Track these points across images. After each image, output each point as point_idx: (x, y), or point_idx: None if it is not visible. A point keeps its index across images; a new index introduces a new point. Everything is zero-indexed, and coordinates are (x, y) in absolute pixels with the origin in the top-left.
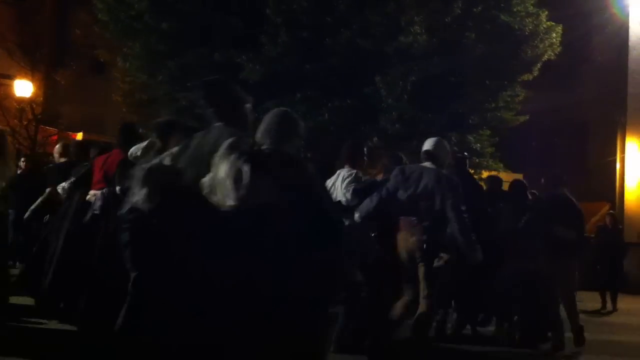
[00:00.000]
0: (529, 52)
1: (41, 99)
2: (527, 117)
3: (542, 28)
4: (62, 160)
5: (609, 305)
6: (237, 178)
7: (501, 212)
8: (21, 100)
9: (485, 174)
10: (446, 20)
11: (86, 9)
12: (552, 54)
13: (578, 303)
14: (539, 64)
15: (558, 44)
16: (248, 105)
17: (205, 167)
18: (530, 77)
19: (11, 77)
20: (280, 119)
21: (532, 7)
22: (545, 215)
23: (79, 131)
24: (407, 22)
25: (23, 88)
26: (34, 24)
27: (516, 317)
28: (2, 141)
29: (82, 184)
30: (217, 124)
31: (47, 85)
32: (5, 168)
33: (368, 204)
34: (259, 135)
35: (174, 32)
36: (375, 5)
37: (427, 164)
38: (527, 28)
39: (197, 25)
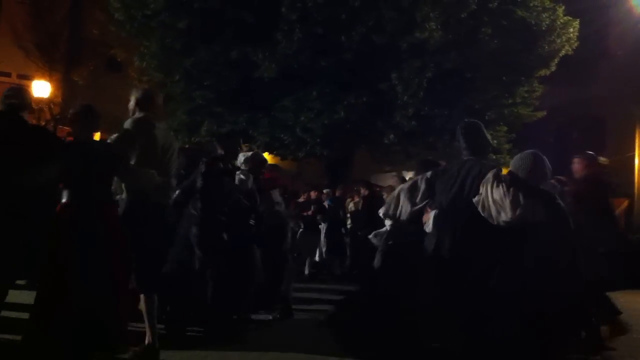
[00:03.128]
0: (546, 47)
1: (59, 99)
2: (545, 112)
3: (559, 23)
4: None
5: None
6: (514, 200)
7: None
8: (39, 101)
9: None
10: (462, 15)
11: (101, 7)
12: (570, 49)
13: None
14: (556, 59)
15: (575, 39)
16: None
17: (468, 189)
18: (548, 72)
19: (29, 77)
20: (532, 161)
21: (548, 1)
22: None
23: (97, 131)
24: (422, 17)
25: (41, 88)
26: (49, 23)
27: None
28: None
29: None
30: (470, 157)
31: (65, 86)
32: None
33: None
34: (522, 172)
35: (189, 31)
36: (389, 1)
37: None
38: (543, 23)
39: (212, 23)
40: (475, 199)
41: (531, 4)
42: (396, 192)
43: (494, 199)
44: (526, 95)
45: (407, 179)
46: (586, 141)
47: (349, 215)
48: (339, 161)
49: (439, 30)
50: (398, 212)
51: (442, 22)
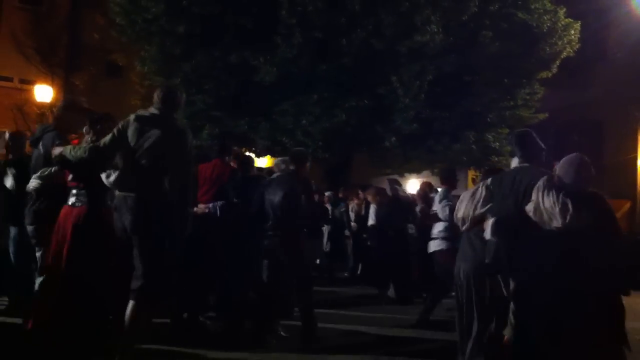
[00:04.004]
0: (547, 49)
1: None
2: (546, 114)
3: (560, 25)
4: None
5: None
6: (563, 208)
7: None
8: (42, 105)
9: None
10: (462, 18)
11: (101, 11)
12: (571, 51)
13: None
14: (557, 61)
15: (576, 41)
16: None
17: (521, 197)
18: (549, 75)
19: (31, 82)
20: (578, 165)
21: (549, 4)
22: None
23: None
24: (422, 21)
25: (44, 93)
26: (49, 28)
27: None
28: None
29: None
30: (524, 164)
31: (66, 90)
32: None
33: None
34: (568, 177)
35: (189, 35)
36: (389, 5)
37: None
38: (544, 25)
39: (212, 28)
40: (527, 207)
41: (532, 7)
42: (462, 197)
43: (544, 207)
44: (527, 97)
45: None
46: (586, 143)
47: (353, 217)
48: (338, 165)
49: (439, 33)
50: (461, 216)
51: (443, 25)
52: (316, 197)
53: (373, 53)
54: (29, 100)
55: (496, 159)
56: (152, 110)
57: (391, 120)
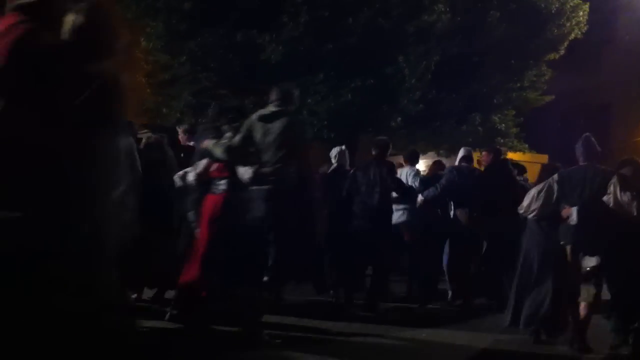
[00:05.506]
0: (555, 30)
1: None
2: (553, 97)
3: (568, 6)
4: None
5: None
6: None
7: None
8: None
9: (510, 155)
10: None
11: None
12: (579, 33)
13: None
14: (565, 43)
15: (585, 23)
16: None
17: (596, 190)
18: (557, 56)
19: None
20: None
21: None
22: None
23: None
24: (430, 0)
25: None
26: None
27: None
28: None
29: None
30: (587, 162)
31: None
32: None
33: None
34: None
35: (195, 12)
36: None
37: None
38: (553, 6)
39: (217, 5)
40: (605, 198)
41: None
42: (532, 192)
43: (622, 200)
44: (534, 79)
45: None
46: (593, 126)
47: None
48: (344, 145)
49: (447, 13)
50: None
51: (450, 5)
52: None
53: (380, 32)
54: None
55: (502, 140)
56: (272, 108)
57: (397, 101)
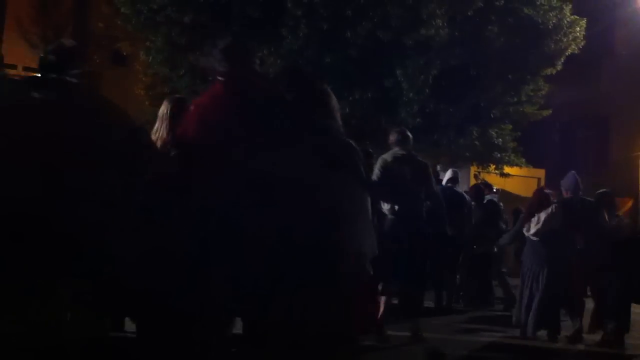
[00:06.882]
0: (552, 45)
1: None
2: (550, 111)
3: (565, 22)
4: None
5: None
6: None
7: None
8: None
9: (506, 169)
10: (468, 13)
11: (107, 0)
12: (576, 48)
13: None
14: (562, 58)
15: (582, 38)
16: None
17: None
18: (554, 71)
19: (35, 70)
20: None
21: (555, 0)
22: None
23: None
24: (428, 14)
25: None
26: (54, 16)
27: None
28: None
29: None
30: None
31: None
32: None
33: None
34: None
35: (195, 25)
36: None
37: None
38: (550, 22)
39: (217, 18)
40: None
41: (538, 2)
42: (538, 216)
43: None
44: (532, 93)
45: None
46: (591, 140)
47: None
48: None
49: (445, 27)
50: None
51: (449, 19)
52: None
53: (379, 45)
54: None
55: (499, 155)
56: (399, 151)
57: (396, 113)
